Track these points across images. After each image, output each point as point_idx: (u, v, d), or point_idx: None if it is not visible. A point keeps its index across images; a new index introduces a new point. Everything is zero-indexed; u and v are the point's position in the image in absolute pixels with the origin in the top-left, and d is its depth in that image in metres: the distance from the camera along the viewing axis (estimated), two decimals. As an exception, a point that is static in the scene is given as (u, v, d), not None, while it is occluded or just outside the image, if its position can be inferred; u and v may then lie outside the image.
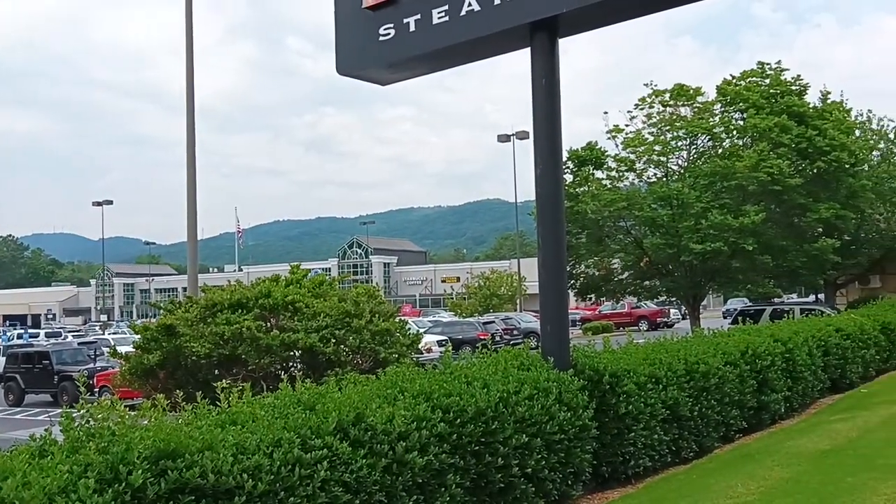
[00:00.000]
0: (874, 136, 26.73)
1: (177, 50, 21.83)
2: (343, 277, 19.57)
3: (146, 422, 4.73)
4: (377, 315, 12.06)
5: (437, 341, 25.05)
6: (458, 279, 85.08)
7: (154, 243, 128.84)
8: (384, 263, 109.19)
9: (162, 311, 13.03)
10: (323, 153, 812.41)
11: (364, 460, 5.10)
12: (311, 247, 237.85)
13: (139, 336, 12.19)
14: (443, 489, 5.63)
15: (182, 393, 6.33)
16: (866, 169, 25.37)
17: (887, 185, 25.75)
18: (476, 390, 6.29)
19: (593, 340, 8.99)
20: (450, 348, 8.53)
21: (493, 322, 36.59)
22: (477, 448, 6.02)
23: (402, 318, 15.39)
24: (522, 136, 44.80)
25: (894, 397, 11.81)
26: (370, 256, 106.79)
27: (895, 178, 25.66)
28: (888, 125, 26.94)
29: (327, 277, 14.17)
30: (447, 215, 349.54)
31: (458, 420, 5.91)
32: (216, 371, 11.05)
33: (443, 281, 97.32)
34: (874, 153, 26.42)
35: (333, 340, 11.05)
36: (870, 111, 27.77)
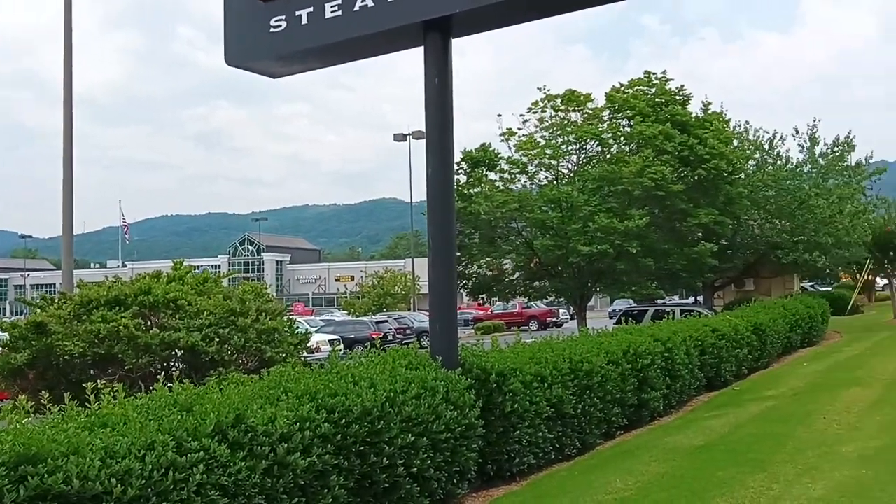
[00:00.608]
0: (750, 147, 28.05)
1: (57, 37, 20.69)
2: (230, 274, 19.03)
3: (6, 425, 4.44)
4: (264, 313, 11.75)
5: (329, 340, 24.76)
6: (353, 278, 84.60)
7: (30, 237, 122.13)
8: (277, 261, 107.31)
9: (32, 308, 12.33)
10: (215, 147, 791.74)
11: (243, 463, 4.95)
12: (201, 243, 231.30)
13: (7, 334, 11.48)
14: (325, 491, 5.53)
15: (49, 394, 5.95)
16: (743, 177, 26.58)
17: (761, 194, 27.09)
18: (362, 390, 6.22)
19: (482, 340, 9.06)
20: (340, 347, 8.43)
21: (387, 321, 36.53)
22: (362, 448, 5.94)
23: (292, 316, 15.10)
24: (419, 135, 44.84)
25: (763, 394, 12.43)
26: (262, 254, 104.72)
27: (769, 186, 27.01)
28: (763, 136, 28.38)
29: (213, 274, 13.72)
30: (342, 214, 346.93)
31: (344, 420, 5.81)
32: (91, 371, 10.48)
33: (337, 280, 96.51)
34: (750, 162, 27.73)
35: (217, 339, 10.69)
36: (747, 122, 29.20)
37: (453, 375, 7.31)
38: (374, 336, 27.01)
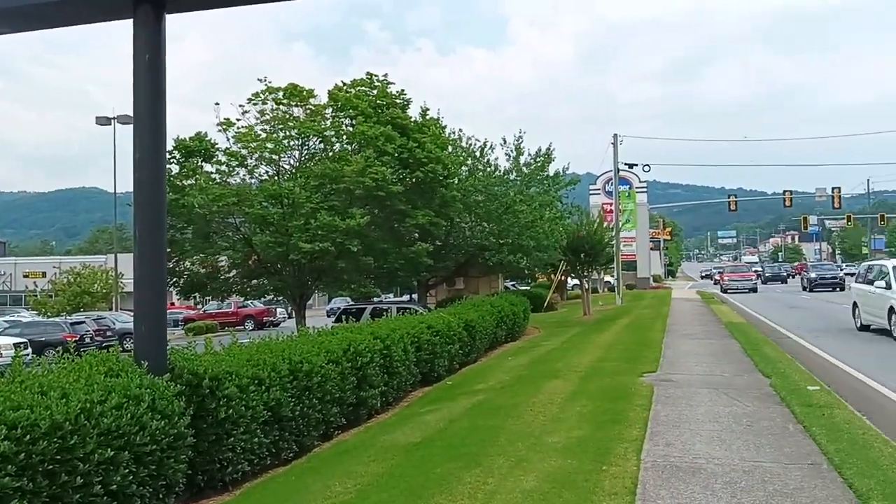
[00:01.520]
0: (463, 153, 29.60)
1: None
2: None
3: None
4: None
5: (13, 344, 21.98)
6: (44, 274, 76.36)
7: None
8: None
9: None
10: None
11: None
12: None
13: None
14: (3, 520, 4.71)
15: None
16: (456, 182, 27.89)
17: (472, 198, 28.60)
18: (52, 401, 5.43)
19: (195, 341, 8.45)
20: (28, 352, 7.38)
21: (84, 322, 33.44)
22: (51, 467, 5.16)
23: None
24: (126, 120, 41.35)
25: (474, 388, 12.98)
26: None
27: (479, 191, 28.60)
28: (475, 144, 30.12)
29: None
30: (34, 203, 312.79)
31: (28, 437, 5.02)
32: None
33: (25, 276, 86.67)
34: (463, 168, 29.23)
35: None
36: (461, 130, 30.78)
37: (161, 382, 6.67)
38: (69, 339, 24.56)
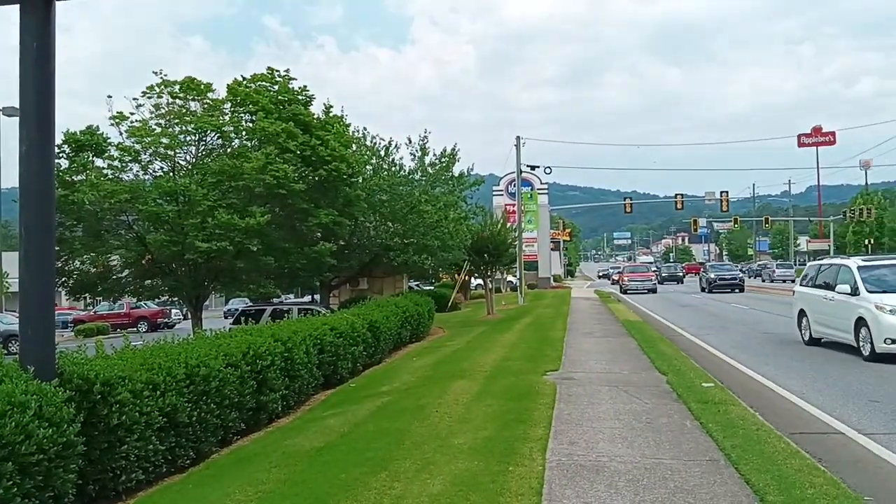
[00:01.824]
0: (368, 152, 29.37)
1: None
2: None
3: None
4: None
5: None
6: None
7: None
8: None
9: None
10: None
11: None
12: None
13: None
14: None
15: None
16: (361, 181, 27.63)
17: (377, 197, 28.41)
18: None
19: (85, 344, 8.04)
20: None
21: (-37, 324, 31.50)
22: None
23: None
24: (12, 112, 39.08)
25: (379, 390, 12.85)
26: None
27: (384, 191, 28.43)
28: (380, 143, 29.91)
29: None
30: None
31: None
32: None
33: None
34: (367, 167, 28.97)
35: None
36: (365, 128, 30.53)
37: (49, 387, 6.29)
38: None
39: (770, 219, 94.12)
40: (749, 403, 9.63)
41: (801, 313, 17.19)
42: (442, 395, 10.70)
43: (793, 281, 48.80)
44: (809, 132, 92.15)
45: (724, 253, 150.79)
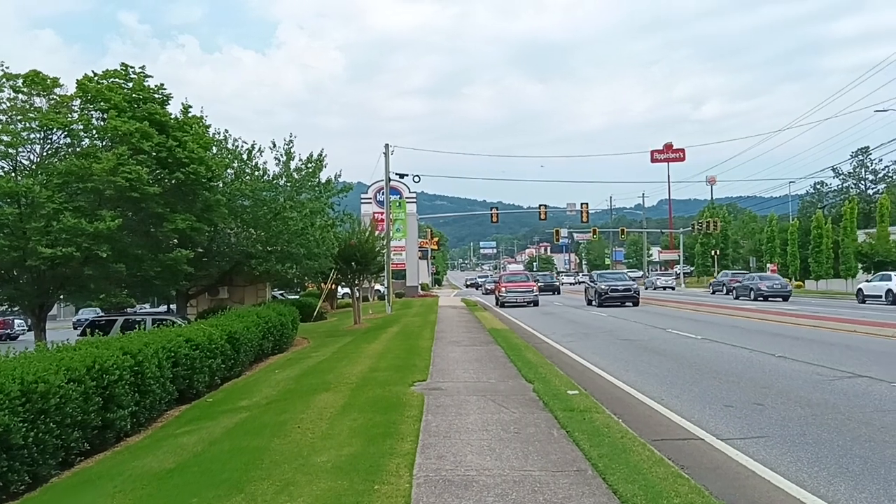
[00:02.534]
0: (229, 155, 28.21)
1: None
2: None
3: None
4: None
5: None
6: None
7: None
8: None
9: None
10: None
11: None
12: None
13: None
14: None
15: None
16: (221, 185, 26.56)
17: (239, 202, 27.41)
18: None
19: None
20: None
21: None
22: None
23: None
24: None
25: (238, 405, 12.22)
26: None
27: (246, 196, 27.46)
28: (242, 146, 28.77)
29: None
30: None
31: None
32: None
33: None
34: (229, 171, 27.84)
35: None
36: (226, 131, 29.36)
37: None
38: None
39: (626, 230, 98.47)
40: (613, 410, 9.72)
41: None
42: (305, 409, 10.23)
43: (673, 289, 49.94)
44: (661, 148, 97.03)
45: (584, 262, 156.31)
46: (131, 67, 24.16)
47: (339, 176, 31.42)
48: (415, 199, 66.95)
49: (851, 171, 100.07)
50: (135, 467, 8.37)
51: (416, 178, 46.28)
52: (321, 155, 29.86)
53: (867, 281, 42.40)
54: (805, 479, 6.70)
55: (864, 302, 39.03)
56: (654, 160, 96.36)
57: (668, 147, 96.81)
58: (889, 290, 37.89)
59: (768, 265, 66.88)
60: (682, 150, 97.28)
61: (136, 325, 20.50)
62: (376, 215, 48.40)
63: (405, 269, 62.24)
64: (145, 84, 24.05)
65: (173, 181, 22.94)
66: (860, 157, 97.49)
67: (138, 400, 11.19)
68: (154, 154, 22.09)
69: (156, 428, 11.79)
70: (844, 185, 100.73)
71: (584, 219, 69.20)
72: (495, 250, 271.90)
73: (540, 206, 64.25)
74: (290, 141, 29.29)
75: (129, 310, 30.21)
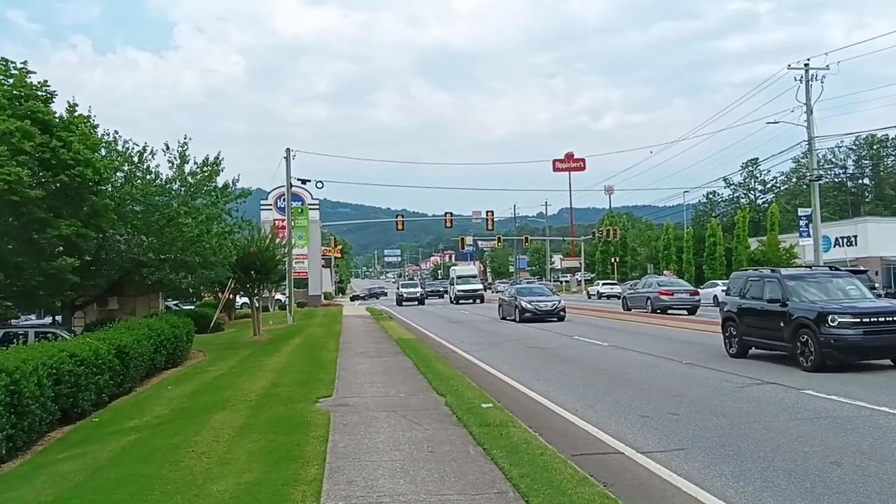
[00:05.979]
0: (119, 157, 26.58)
1: None
2: None
3: None
4: None
5: None
6: None
7: None
8: None
9: None
10: None
11: None
12: None
13: None
14: None
15: None
16: (110, 189, 25.03)
17: (129, 207, 25.93)
18: None
19: None
20: None
21: None
22: None
23: None
24: None
25: (126, 425, 11.30)
26: None
27: (138, 200, 25.99)
28: (133, 148, 27.12)
29: None
30: None
31: None
32: None
33: None
34: (118, 174, 26.26)
35: None
36: (116, 132, 27.57)
37: None
38: None
39: (529, 238, 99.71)
40: (529, 424, 9.36)
41: None
42: (200, 430, 9.46)
43: (618, 297, 48.29)
44: (563, 158, 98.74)
45: (488, 270, 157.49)
46: (12, 63, 22.51)
47: (237, 181, 30.20)
48: (318, 206, 65.68)
49: (742, 181, 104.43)
50: (5, 501, 7.47)
51: (319, 184, 45.18)
52: (217, 158, 28.48)
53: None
54: (732, 495, 6.49)
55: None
56: (556, 169, 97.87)
57: (570, 157, 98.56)
58: (715, 296, 40.21)
59: (664, 271, 68.78)
60: (583, 160, 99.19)
61: (17, 339, 18.98)
62: (277, 222, 47.11)
63: (307, 278, 60.89)
64: (27, 80, 22.44)
65: (57, 184, 21.42)
66: (750, 168, 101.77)
67: (14, 422, 10.19)
68: (36, 155, 20.58)
69: (35, 452, 10.79)
70: (735, 194, 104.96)
71: (490, 227, 69.43)
72: (400, 258, 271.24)
73: (445, 213, 63.95)
74: (185, 143, 27.78)
75: (13, 321, 28.09)
